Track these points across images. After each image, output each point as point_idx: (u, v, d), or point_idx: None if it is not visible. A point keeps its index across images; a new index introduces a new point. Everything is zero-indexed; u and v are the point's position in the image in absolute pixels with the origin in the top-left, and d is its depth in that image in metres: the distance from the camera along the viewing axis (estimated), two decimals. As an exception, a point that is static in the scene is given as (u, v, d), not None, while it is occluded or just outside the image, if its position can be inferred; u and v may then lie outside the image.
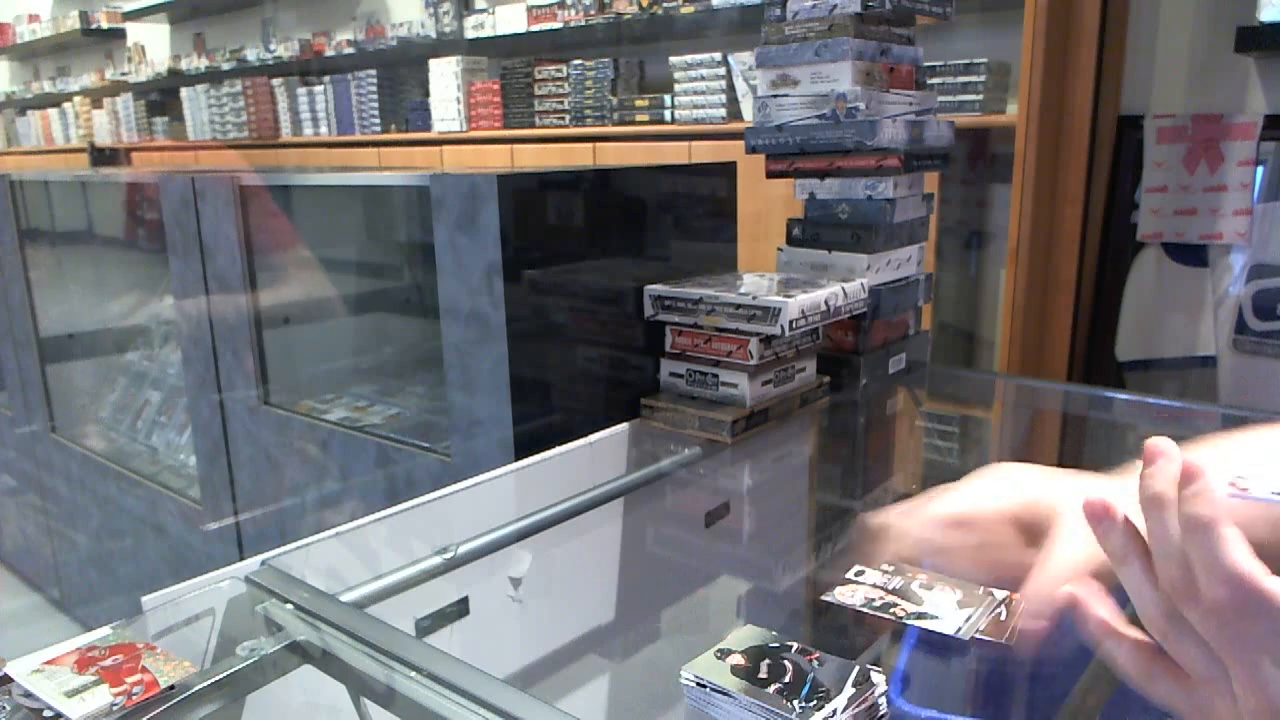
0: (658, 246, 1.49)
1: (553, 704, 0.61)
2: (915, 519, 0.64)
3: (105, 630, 0.71)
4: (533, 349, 1.28)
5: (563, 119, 3.62)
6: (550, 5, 3.59)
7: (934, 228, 2.12)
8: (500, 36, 3.81)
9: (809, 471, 1.30)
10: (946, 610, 0.78)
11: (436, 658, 0.67)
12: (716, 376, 1.25)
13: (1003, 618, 0.77)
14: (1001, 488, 0.65)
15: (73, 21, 6.30)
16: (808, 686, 0.63)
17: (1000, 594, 0.81)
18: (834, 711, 0.60)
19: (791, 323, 1.17)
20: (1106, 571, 0.49)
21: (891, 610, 0.79)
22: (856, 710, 0.61)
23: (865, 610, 0.80)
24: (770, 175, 1.39)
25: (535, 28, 3.66)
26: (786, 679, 0.64)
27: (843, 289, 1.27)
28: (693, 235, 1.54)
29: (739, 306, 1.20)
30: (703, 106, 3.20)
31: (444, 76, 3.96)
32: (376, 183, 1.91)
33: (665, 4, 3.24)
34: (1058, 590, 0.50)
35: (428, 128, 4.09)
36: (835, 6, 1.26)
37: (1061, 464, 0.68)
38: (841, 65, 1.26)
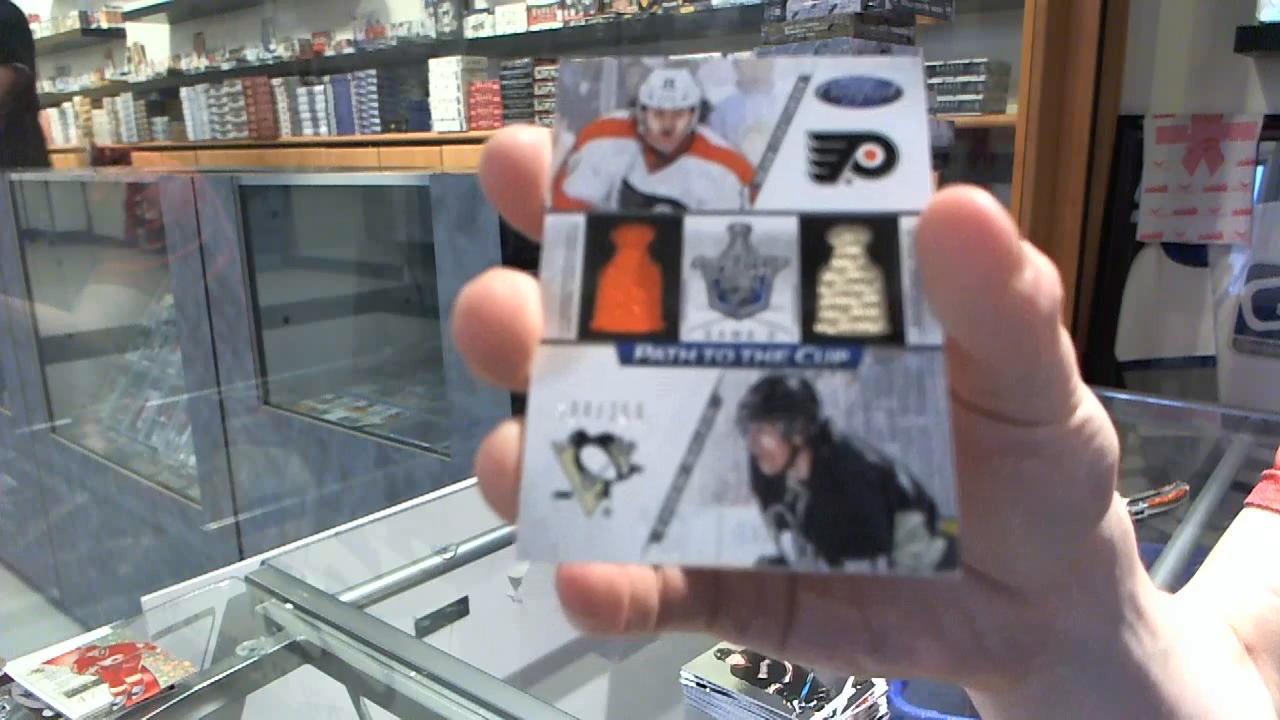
0: (658, 246, 1.49)
1: (553, 704, 0.61)
2: None
3: (105, 630, 0.71)
4: (533, 349, 1.28)
5: (563, 119, 3.61)
6: (550, 5, 3.59)
7: (934, 228, 2.11)
8: (500, 36, 3.81)
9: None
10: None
11: (436, 658, 0.67)
12: (716, 376, 1.25)
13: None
14: None
15: (72, 21, 6.29)
16: (808, 686, 0.63)
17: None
18: (834, 711, 0.60)
19: (791, 323, 1.16)
20: None
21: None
22: (856, 710, 0.61)
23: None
24: (770, 175, 1.39)
25: (535, 28, 3.66)
26: (786, 679, 0.64)
27: (843, 289, 1.27)
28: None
29: (739, 306, 1.20)
30: (703, 106, 3.19)
31: (444, 76, 3.95)
32: (376, 182, 1.91)
33: (665, 4, 3.24)
34: None
35: (427, 128, 4.08)
36: (835, 6, 1.26)
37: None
38: (841, 65, 1.26)
